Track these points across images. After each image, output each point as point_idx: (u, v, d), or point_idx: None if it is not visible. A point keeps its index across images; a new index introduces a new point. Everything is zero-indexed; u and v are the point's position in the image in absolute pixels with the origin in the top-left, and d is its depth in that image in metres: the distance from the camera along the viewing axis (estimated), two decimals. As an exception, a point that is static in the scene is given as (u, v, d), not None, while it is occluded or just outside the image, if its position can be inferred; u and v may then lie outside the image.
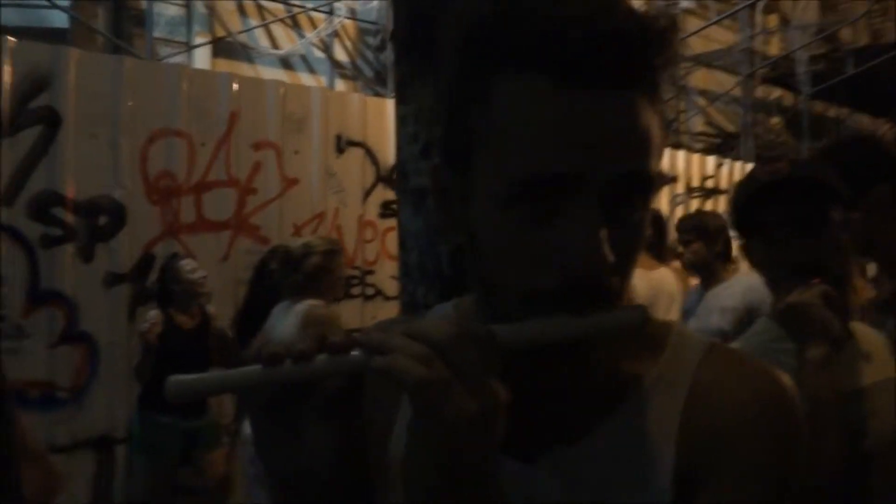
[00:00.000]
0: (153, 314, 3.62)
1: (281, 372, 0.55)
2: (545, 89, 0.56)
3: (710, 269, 3.26)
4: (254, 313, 3.37)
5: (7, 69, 3.54)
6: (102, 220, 3.81)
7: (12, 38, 3.59)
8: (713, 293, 3.18)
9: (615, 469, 0.63)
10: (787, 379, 0.66)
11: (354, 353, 0.55)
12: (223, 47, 6.41)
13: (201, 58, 6.22)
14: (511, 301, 0.59)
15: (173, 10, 6.34)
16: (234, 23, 6.53)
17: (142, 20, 6.09)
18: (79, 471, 3.64)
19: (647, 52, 0.57)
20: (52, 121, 3.68)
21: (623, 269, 0.59)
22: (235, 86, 4.26)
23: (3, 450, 0.95)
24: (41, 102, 3.66)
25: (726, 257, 3.28)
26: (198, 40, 6.22)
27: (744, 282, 3.08)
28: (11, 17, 5.89)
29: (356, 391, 0.60)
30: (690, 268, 3.31)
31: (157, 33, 6.18)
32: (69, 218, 3.71)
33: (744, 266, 3.85)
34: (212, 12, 5.92)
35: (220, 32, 6.41)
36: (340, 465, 0.61)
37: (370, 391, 0.69)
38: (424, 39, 1.23)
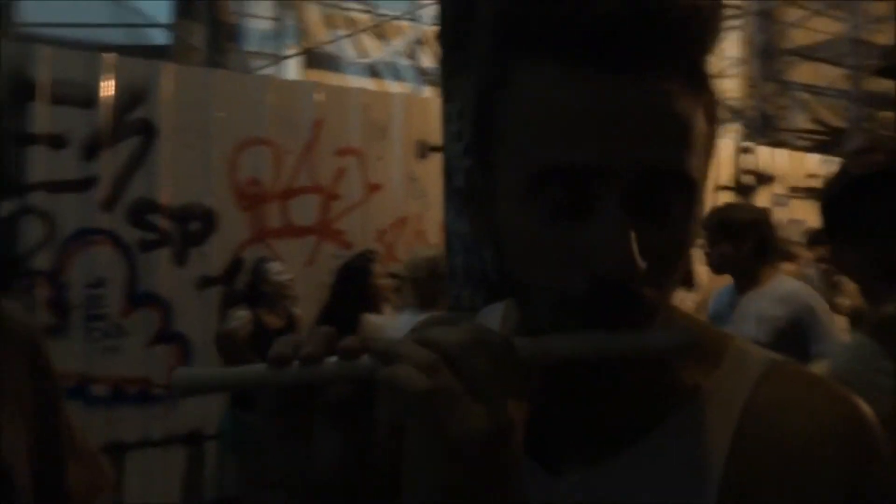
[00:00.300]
0: (242, 314, 3.76)
1: (287, 373, 0.53)
2: (563, 74, 0.51)
3: (742, 270, 2.76)
4: (333, 318, 3.45)
5: (107, 84, 3.77)
6: (195, 225, 3.99)
7: (111, 55, 3.82)
8: (749, 298, 2.73)
9: (653, 489, 0.57)
10: (865, 406, 0.57)
11: (365, 357, 0.52)
12: (313, 58, 6.61)
13: (292, 69, 6.42)
14: (541, 308, 0.55)
15: (265, 25, 6.58)
16: (323, 34, 6.72)
17: (236, 35, 6.34)
18: (171, 465, 3.82)
19: (679, 32, 0.51)
20: (148, 132, 3.89)
21: (661, 279, 0.53)
22: (319, 95, 4.38)
23: (49, 446, 0.99)
24: (139, 115, 3.87)
25: (763, 257, 2.77)
26: (289, 53, 6.43)
27: (786, 287, 2.71)
28: (118, 36, 6.28)
29: (369, 397, 0.54)
30: (718, 271, 2.82)
31: (250, 47, 6.43)
32: (164, 224, 3.90)
33: (787, 268, 3.61)
34: (300, 25, 6.10)
35: (310, 44, 6.61)
36: (349, 474, 0.56)
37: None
38: (466, 36, 1.22)
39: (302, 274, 4.17)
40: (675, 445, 0.58)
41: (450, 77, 1.30)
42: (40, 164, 3.67)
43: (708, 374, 0.60)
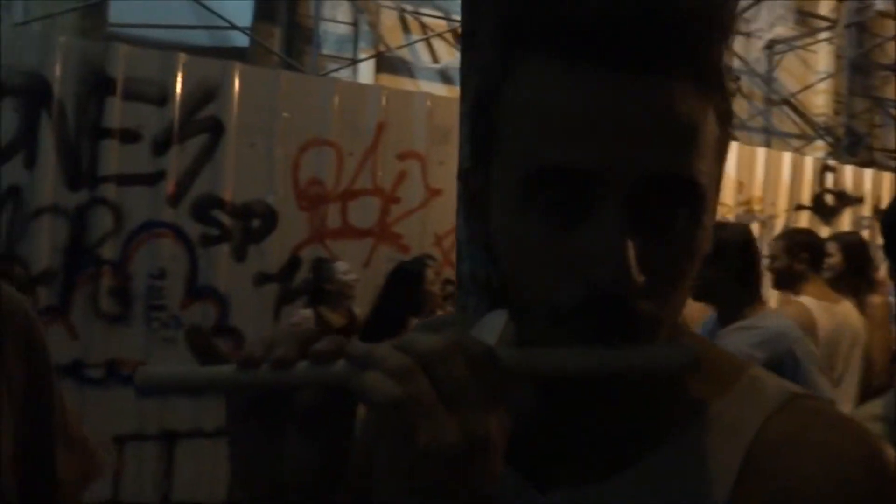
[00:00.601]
0: (305, 312, 3.82)
1: (256, 376, 0.49)
2: (563, 71, 0.49)
3: (724, 298, 2.45)
4: (382, 319, 3.46)
5: (179, 83, 3.89)
6: (255, 223, 4.07)
7: (183, 55, 3.94)
8: (729, 332, 2.43)
9: None
10: (891, 452, 0.53)
11: (341, 362, 0.49)
12: (386, 62, 6.68)
13: (366, 73, 6.51)
14: (536, 318, 0.51)
15: (342, 29, 6.69)
16: (398, 39, 6.78)
17: (313, 38, 6.47)
18: (221, 455, 3.89)
19: (685, 28, 0.48)
20: (216, 130, 3.99)
21: (662, 293, 0.50)
22: (384, 98, 4.41)
23: (40, 429, 1.00)
24: (208, 113, 3.98)
25: (748, 285, 2.46)
26: (363, 56, 6.52)
27: (770, 325, 2.42)
28: (201, 38, 6.49)
29: (345, 403, 0.51)
30: (697, 297, 2.43)
31: (326, 50, 6.54)
32: (226, 220, 4.00)
33: (873, 298, 3.37)
34: (374, 29, 6.17)
35: (384, 48, 6.68)
36: (320, 484, 0.52)
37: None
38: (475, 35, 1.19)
39: (358, 275, 4.19)
40: (675, 468, 0.53)
41: (465, 78, 1.27)
42: (112, 158, 3.81)
43: (716, 396, 0.56)
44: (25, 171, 3.66)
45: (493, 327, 0.69)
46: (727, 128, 0.52)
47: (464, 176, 0.60)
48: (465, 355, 0.45)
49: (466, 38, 1.32)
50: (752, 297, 2.49)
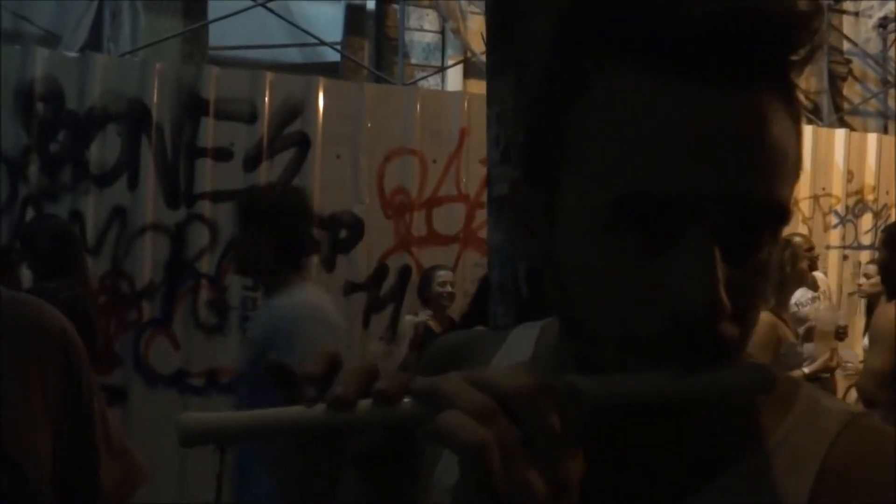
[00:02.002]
0: (410, 319, 3.92)
1: (312, 419, 0.45)
2: (656, 85, 0.45)
3: (263, 268, 2.33)
4: (471, 326, 3.46)
5: (267, 100, 4.03)
6: (343, 233, 4.17)
7: (271, 73, 4.08)
8: (268, 305, 2.34)
9: None
10: None
11: (406, 400, 0.45)
12: (473, 68, 6.69)
13: (454, 79, 6.54)
14: (604, 347, 0.49)
15: (430, 38, 6.75)
16: (483, 44, 6.79)
17: (401, 49, 6.57)
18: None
19: (788, 41, 0.46)
20: (303, 144, 4.11)
21: (743, 318, 0.48)
22: (466, 103, 4.41)
23: (82, 440, 1.04)
24: (295, 128, 4.10)
25: (287, 255, 2.29)
26: (449, 64, 6.56)
27: (295, 298, 2.22)
28: (295, 55, 6.71)
29: (407, 445, 0.48)
30: (238, 270, 2.47)
31: (414, 60, 6.63)
32: (314, 231, 4.10)
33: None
34: (459, 35, 6.20)
35: (471, 54, 6.70)
36: None
37: None
38: (510, 32, 1.15)
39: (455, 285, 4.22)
40: (745, 497, 0.51)
41: (493, 77, 1.23)
42: (207, 176, 3.99)
43: (776, 423, 0.54)
44: (129, 192, 3.89)
45: (525, 346, 0.65)
46: (801, 146, 0.50)
47: (511, 186, 0.57)
48: (551, 395, 0.42)
49: (493, 37, 1.28)
50: (292, 268, 2.29)
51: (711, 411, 0.51)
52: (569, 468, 0.42)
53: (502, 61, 1.21)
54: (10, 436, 0.93)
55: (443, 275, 4.00)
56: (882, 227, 3.70)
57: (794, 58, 0.47)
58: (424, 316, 3.97)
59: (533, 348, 0.64)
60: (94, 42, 5.51)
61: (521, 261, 0.54)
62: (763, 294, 0.50)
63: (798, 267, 3.25)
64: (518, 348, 0.65)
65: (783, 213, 0.48)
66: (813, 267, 4.07)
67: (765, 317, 3.17)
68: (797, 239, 3.53)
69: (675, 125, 0.45)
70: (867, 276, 4.12)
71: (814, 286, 3.84)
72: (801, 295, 3.61)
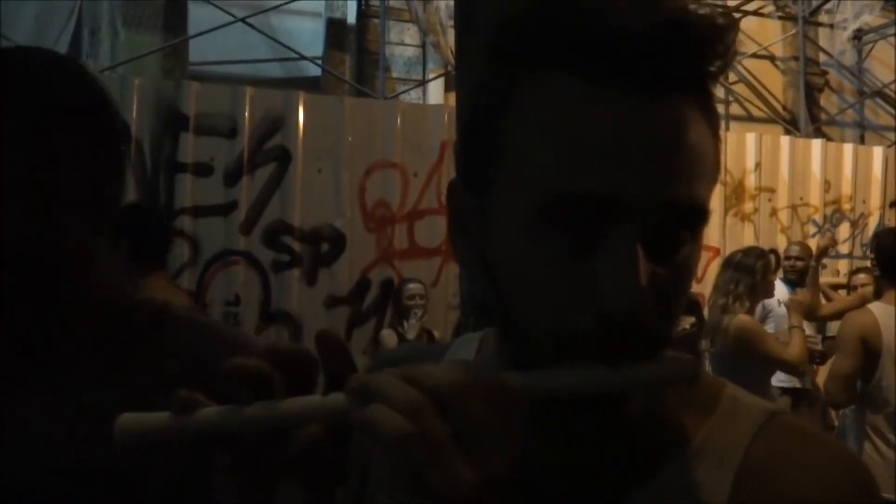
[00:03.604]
0: (386, 333, 3.90)
1: (248, 415, 0.46)
2: (581, 92, 0.47)
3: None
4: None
5: (247, 115, 4.04)
6: (325, 247, 4.17)
7: (251, 88, 4.09)
8: None
9: None
10: (865, 464, 0.56)
11: (340, 395, 0.45)
12: (454, 82, 6.73)
13: (435, 93, 6.56)
14: (538, 346, 0.50)
15: (410, 52, 6.77)
16: (464, 57, 6.81)
17: (382, 63, 6.59)
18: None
19: (705, 53, 0.48)
20: (284, 158, 4.12)
21: (667, 314, 0.50)
22: (446, 116, 4.43)
23: None
24: (275, 142, 4.11)
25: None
26: (430, 77, 6.59)
27: None
28: (276, 70, 6.71)
29: (341, 442, 0.47)
30: None
31: (395, 73, 6.64)
32: (296, 245, 4.10)
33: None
34: (439, 49, 6.23)
35: (451, 67, 6.72)
36: None
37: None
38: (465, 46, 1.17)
39: (428, 294, 4.22)
40: (671, 498, 0.53)
41: (460, 89, 1.24)
42: (188, 191, 3.98)
43: (701, 424, 0.56)
44: (108, 207, 3.87)
45: (465, 354, 0.67)
46: (719, 150, 0.53)
47: (449, 191, 0.57)
48: (479, 389, 0.43)
49: (461, 52, 1.30)
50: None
51: (638, 410, 0.52)
52: (498, 461, 0.42)
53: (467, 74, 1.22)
54: None
55: (412, 288, 3.97)
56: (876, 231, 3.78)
57: (711, 69, 0.49)
58: (408, 328, 3.94)
59: (474, 357, 0.65)
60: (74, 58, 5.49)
61: (460, 265, 0.55)
62: (685, 291, 0.51)
63: (767, 279, 3.33)
64: (458, 357, 0.66)
65: (702, 213, 0.50)
66: (802, 277, 4.10)
67: (742, 318, 3.20)
68: (771, 254, 3.60)
69: (600, 130, 0.47)
70: (862, 284, 4.16)
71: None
72: (768, 304, 3.69)
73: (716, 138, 0.52)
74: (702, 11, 0.48)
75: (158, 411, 0.47)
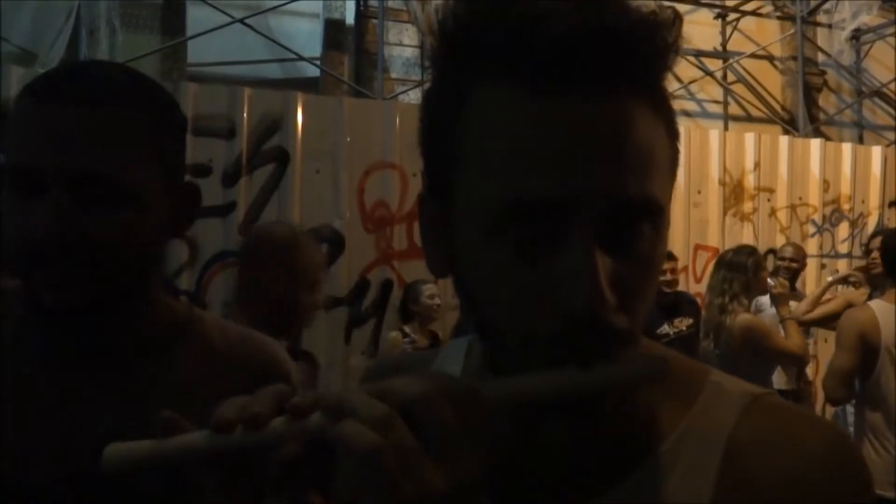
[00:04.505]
0: (393, 335, 3.88)
1: (230, 441, 0.47)
2: (524, 99, 0.48)
3: None
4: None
5: (245, 116, 4.03)
6: (324, 247, 4.15)
7: (249, 89, 4.08)
8: None
9: None
10: (851, 439, 0.56)
11: (317, 415, 0.46)
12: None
13: (433, 94, 6.57)
14: (508, 349, 0.51)
15: (409, 52, 6.78)
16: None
17: (381, 63, 6.60)
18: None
19: (641, 50, 0.49)
20: (282, 159, 4.11)
21: (632, 308, 0.50)
22: (445, 117, 4.43)
23: None
24: (274, 143, 4.10)
25: None
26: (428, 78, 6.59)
27: None
28: (274, 71, 6.71)
29: (321, 459, 0.49)
30: None
31: (394, 74, 6.64)
32: (295, 246, 4.09)
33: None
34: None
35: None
36: None
37: None
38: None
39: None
40: (655, 487, 0.54)
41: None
42: (186, 192, 3.97)
43: (685, 410, 0.57)
44: (106, 208, 3.86)
45: (455, 358, 0.68)
46: (676, 143, 0.53)
47: (419, 200, 0.59)
48: (449, 399, 0.44)
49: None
50: None
51: (617, 406, 0.53)
52: (468, 467, 0.43)
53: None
54: None
55: (430, 287, 3.97)
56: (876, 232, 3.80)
57: (652, 66, 0.50)
58: (410, 330, 3.93)
59: (463, 361, 0.66)
60: (72, 59, 5.49)
61: (432, 273, 0.57)
62: (649, 285, 0.51)
63: (759, 276, 3.35)
64: (449, 364, 0.67)
65: (656, 207, 0.50)
66: (794, 280, 4.12)
67: (746, 316, 3.22)
68: (758, 252, 3.61)
69: (544, 135, 0.48)
70: (857, 283, 4.18)
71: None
72: (759, 301, 3.71)
73: (670, 133, 0.52)
74: (641, 10, 0.49)
75: (145, 439, 0.49)
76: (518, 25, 0.48)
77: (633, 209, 0.49)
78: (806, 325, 3.83)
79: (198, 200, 0.88)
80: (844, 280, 4.21)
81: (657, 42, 0.49)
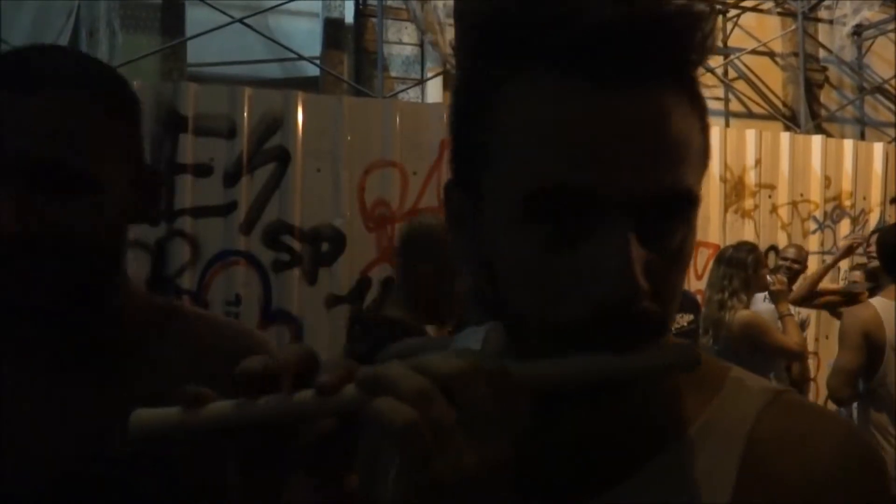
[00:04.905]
0: None
1: (258, 410, 0.46)
2: (563, 88, 0.49)
3: None
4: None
5: (245, 115, 4.03)
6: (325, 246, 4.16)
7: (249, 88, 4.08)
8: None
9: None
10: (868, 438, 0.55)
11: (350, 387, 0.46)
12: (453, 80, 6.73)
13: (433, 92, 6.56)
14: (535, 337, 0.52)
15: (408, 51, 6.78)
16: (463, 56, 6.80)
17: (380, 62, 6.59)
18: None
19: (683, 40, 0.49)
20: (283, 158, 4.11)
21: (664, 298, 0.51)
22: (445, 115, 4.42)
23: None
24: (274, 142, 4.10)
25: None
26: (428, 76, 6.59)
27: None
28: (274, 70, 6.71)
29: (350, 438, 0.49)
30: None
31: (393, 73, 6.64)
32: (296, 245, 4.10)
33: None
34: (437, 48, 6.23)
35: (450, 66, 6.72)
36: None
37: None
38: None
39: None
40: (674, 479, 0.54)
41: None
42: (187, 192, 3.97)
43: (706, 403, 0.57)
44: (107, 209, 3.86)
45: (470, 345, 0.68)
46: (707, 136, 0.54)
47: (445, 190, 0.60)
48: (484, 376, 0.44)
49: (457, 49, 1.30)
50: None
51: (642, 395, 0.53)
52: (502, 448, 0.43)
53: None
54: None
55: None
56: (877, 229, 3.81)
57: (691, 57, 0.50)
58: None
59: (480, 348, 0.67)
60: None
61: (459, 262, 0.58)
62: (681, 276, 0.52)
63: (759, 272, 3.36)
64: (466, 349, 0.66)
65: (691, 198, 0.51)
66: (793, 281, 4.12)
67: (745, 312, 3.23)
68: (758, 249, 3.62)
69: (582, 123, 0.48)
70: (855, 282, 4.19)
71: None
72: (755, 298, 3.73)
73: (703, 125, 0.52)
74: (679, 2, 0.49)
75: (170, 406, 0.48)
76: (560, 14, 0.48)
77: (669, 201, 0.49)
78: (804, 302, 3.83)
79: (160, 183, 0.87)
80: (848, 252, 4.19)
81: (696, 34, 0.49)
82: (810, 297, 3.74)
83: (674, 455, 0.55)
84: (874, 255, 3.20)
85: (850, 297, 3.51)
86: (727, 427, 0.56)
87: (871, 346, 2.74)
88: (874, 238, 3.32)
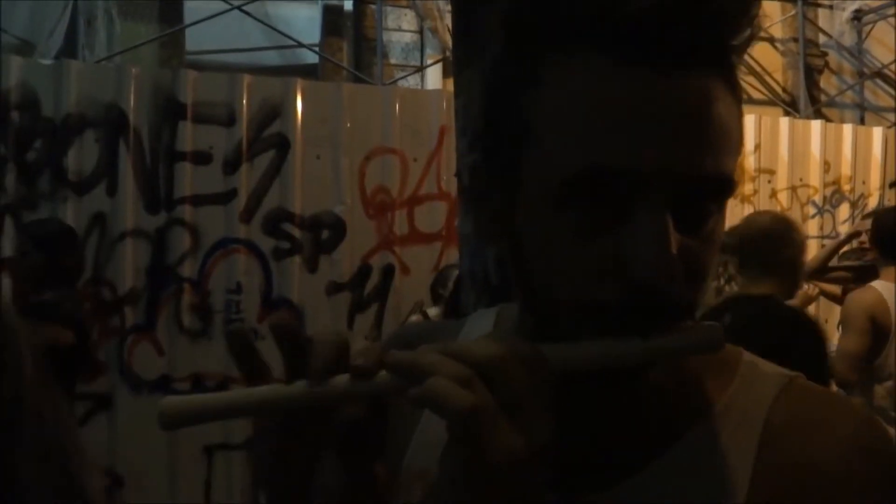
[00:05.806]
0: (415, 319, 3.90)
1: (294, 394, 0.47)
2: (606, 68, 0.48)
3: None
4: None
5: (245, 103, 4.02)
6: (325, 233, 4.16)
7: (248, 76, 4.07)
8: None
9: None
10: (882, 423, 0.58)
11: (383, 373, 0.47)
12: (452, 67, 6.71)
13: (433, 78, 6.55)
14: (564, 316, 0.51)
15: (408, 38, 6.75)
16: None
17: (380, 49, 6.57)
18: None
19: (727, 27, 0.49)
20: (283, 146, 4.10)
21: (695, 283, 0.51)
22: (445, 102, 4.41)
23: (69, 454, 0.99)
24: (274, 130, 4.09)
25: None
26: (428, 63, 6.57)
27: None
28: (273, 57, 6.69)
29: (379, 420, 0.49)
30: None
31: (393, 60, 6.62)
32: (296, 232, 4.10)
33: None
34: (437, 34, 6.21)
35: (449, 53, 6.70)
36: None
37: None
38: (475, 24, 1.17)
39: (428, 280, 4.22)
40: (694, 464, 0.55)
41: (459, 70, 1.25)
42: (187, 180, 3.97)
43: (724, 387, 0.58)
44: (108, 198, 3.86)
45: (483, 327, 0.68)
46: (742, 122, 0.54)
47: (471, 172, 0.60)
48: (521, 361, 0.45)
49: (458, 30, 1.31)
50: None
51: (664, 378, 0.54)
52: (543, 431, 0.44)
53: (467, 53, 1.23)
54: None
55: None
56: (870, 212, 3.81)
57: (734, 42, 0.50)
58: (434, 315, 3.91)
59: (491, 331, 0.66)
60: (70, 49, 5.48)
61: (488, 243, 0.58)
62: (712, 261, 0.52)
63: None
64: (476, 333, 0.67)
65: (728, 184, 0.51)
66: None
67: None
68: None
69: (625, 105, 0.48)
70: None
71: None
72: None
73: (739, 112, 0.52)
74: None
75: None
76: None
77: (707, 186, 0.49)
78: (816, 275, 3.83)
79: None
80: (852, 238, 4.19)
81: (742, 19, 0.49)
82: (822, 271, 3.72)
83: (695, 437, 0.56)
84: (867, 246, 3.18)
85: (862, 272, 3.49)
86: (745, 410, 0.56)
87: (877, 329, 2.73)
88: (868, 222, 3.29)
